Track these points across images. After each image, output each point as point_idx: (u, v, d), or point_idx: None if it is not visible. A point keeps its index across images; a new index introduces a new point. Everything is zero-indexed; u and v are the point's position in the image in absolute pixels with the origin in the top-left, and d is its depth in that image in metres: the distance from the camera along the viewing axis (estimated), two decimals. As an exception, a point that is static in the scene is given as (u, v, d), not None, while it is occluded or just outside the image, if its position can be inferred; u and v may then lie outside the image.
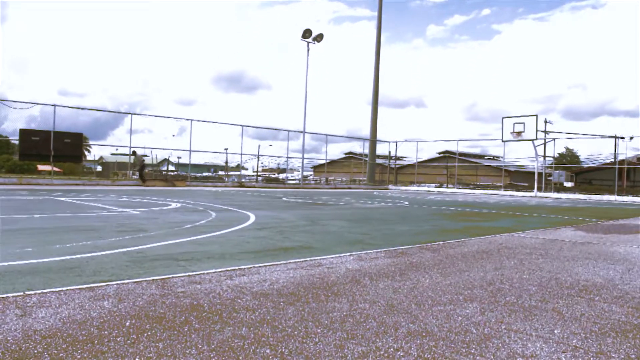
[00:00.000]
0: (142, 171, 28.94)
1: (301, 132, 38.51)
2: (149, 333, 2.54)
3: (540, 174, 34.91)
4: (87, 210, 10.11)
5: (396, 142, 47.26)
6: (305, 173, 44.21)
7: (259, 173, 49.65)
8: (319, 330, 2.68)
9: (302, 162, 40.50)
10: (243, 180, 39.54)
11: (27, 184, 25.03)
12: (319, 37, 39.24)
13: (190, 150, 32.25)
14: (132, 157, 29.28)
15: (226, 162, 49.27)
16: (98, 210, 10.20)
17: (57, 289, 3.33)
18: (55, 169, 32.56)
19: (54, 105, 26.67)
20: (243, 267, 4.43)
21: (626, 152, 38.99)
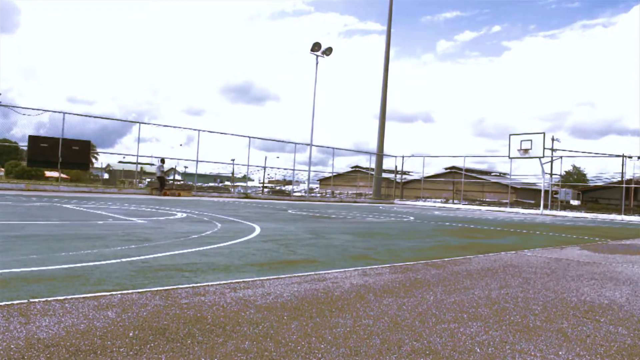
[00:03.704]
0: (164, 181, 29.02)
1: (308, 144, 38.58)
2: (152, 344, 2.54)
3: (546, 192, 34.81)
4: (93, 218, 10.14)
5: (403, 157, 47.27)
6: (311, 185, 44.26)
7: (265, 185, 49.67)
8: (322, 346, 2.67)
9: (309, 175, 40.57)
10: (249, 191, 39.59)
11: (34, 189, 25.15)
12: (328, 51, 39.45)
13: (197, 161, 32.38)
14: (161, 164, 29.30)
15: (232, 173, 49.37)
16: (104, 219, 10.22)
17: (62, 298, 3.34)
18: (63, 175, 32.73)
19: (63, 113, 26.88)
20: (247, 279, 4.42)
21: (633, 171, 38.82)
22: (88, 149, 27.92)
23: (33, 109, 26.48)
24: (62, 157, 26.07)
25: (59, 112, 27.00)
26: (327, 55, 39.68)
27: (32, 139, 25.56)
